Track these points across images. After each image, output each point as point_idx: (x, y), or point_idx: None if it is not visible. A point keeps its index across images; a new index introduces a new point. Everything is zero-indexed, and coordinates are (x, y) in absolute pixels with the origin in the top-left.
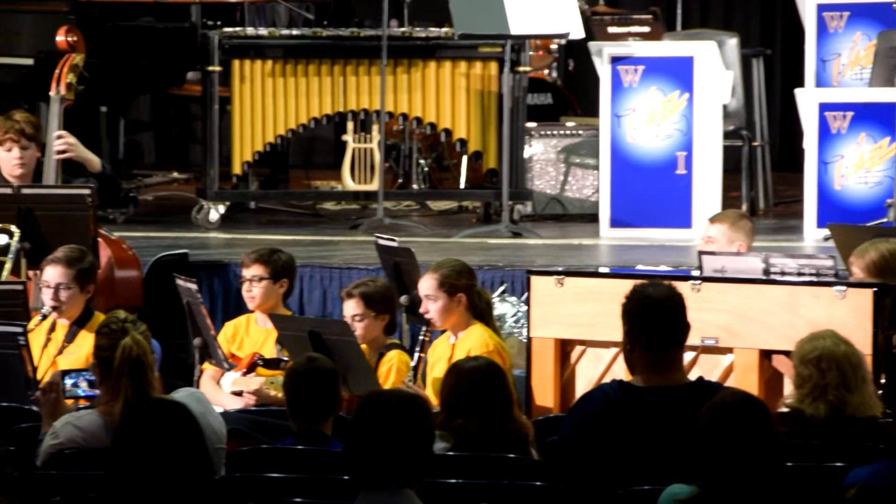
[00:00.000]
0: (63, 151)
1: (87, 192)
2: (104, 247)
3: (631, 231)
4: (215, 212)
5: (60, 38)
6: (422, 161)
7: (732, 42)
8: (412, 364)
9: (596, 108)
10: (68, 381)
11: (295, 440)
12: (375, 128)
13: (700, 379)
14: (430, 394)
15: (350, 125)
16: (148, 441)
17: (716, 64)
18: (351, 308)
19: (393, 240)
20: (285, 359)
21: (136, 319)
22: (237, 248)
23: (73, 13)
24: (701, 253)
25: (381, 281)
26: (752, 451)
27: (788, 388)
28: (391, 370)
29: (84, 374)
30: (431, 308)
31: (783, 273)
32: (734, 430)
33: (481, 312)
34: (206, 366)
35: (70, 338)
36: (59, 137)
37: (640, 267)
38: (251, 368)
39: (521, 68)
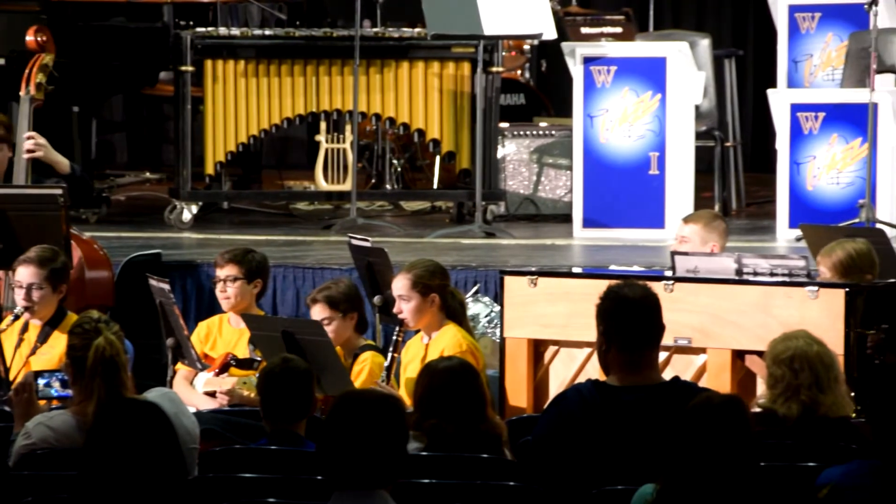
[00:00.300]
0: (32, 151)
1: (58, 192)
2: (75, 247)
3: (604, 231)
4: (188, 212)
5: (30, 37)
6: (395, 161)
7: (705, 43)
8: (385, 364)
9: (569, 108)
10: (41, 382)
11: (268, 441)
12: (348, 128)
13: (676, 378)
14: (404, 394)
15: (323, 125)
16: (121, 441)
17: (688, 64)
18: (318, 313)
19: (366, 240)
20: (258, 359)
21: (109, 319)
22: (210, 248)
23: (45, 13)
24: (673, 253)
25: (345, 281)
26: (730, 451)
27: (761, 388)
28: (363, 371)
29: (57, 374)
30: (405, 308)
31: (756, 273)
32: (717, 431)
33: (455, 313)
34: (179, 366)
35: (43, 338)
36: (29, 138)
37: (613, 267)
38: (224, 369)
39: (494, 69)
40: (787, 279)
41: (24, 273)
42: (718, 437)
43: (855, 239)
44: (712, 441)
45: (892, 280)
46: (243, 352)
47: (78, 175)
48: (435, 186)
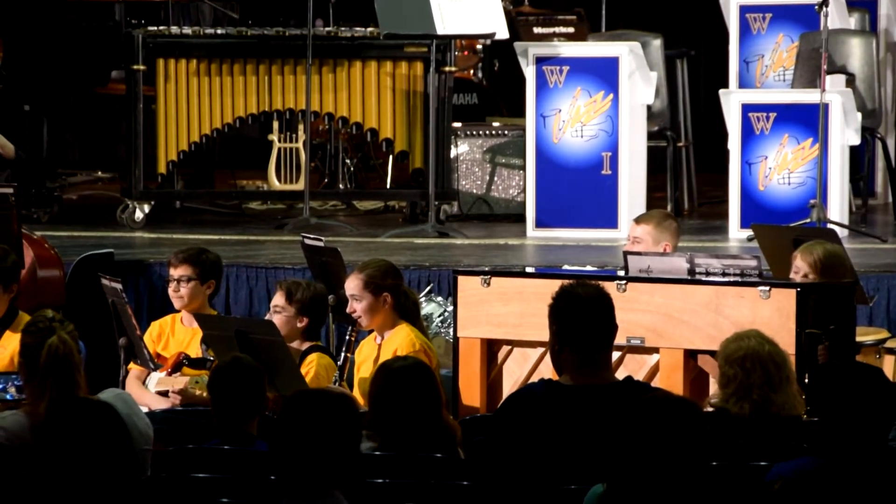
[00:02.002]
0: None
1: (9, 191)
2: (27, 246)
3: (557, 231)
4: (140, 211)
5: None
6: (348, 161)
7: (657, 43)
8: (338, 364)
9: (522, 108)
10: None
11: (220, 440)
12: (301, 127)
13: (629, 378)
14: (357, 394)
15: (276, 125)
16: (74, 441)
17: (640, 64)
18: (275, 298)
19: (319, 240)
20: (211, 358)
21: (63, 318)
22: (162, 247)
23: None
24: (626, 253)
25: (319, 288)
26: (671, 447)
27: (713, 387)
28: (309, 372)
29: (13, 378)
30: (357, 308)
31: (708, 273)
32: (658, 427)
33: (408, 312)
34: (132, 366)
35: None
36: None
37: (566, 267)
38: (176, 368)
39: (447, 68)
40: (739, 279)
41: None
42: (659, 434)
43: (828, 243)
44: (653, 437)
45: (846, 280)
46: (196, 351)
47: (24, 158)
48: (388, 186)
